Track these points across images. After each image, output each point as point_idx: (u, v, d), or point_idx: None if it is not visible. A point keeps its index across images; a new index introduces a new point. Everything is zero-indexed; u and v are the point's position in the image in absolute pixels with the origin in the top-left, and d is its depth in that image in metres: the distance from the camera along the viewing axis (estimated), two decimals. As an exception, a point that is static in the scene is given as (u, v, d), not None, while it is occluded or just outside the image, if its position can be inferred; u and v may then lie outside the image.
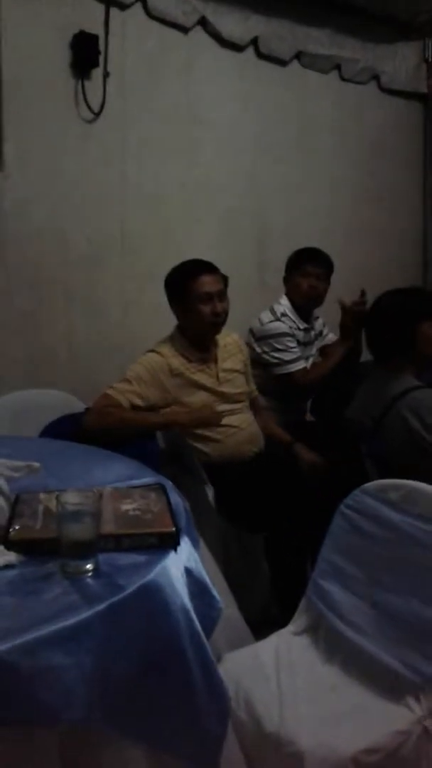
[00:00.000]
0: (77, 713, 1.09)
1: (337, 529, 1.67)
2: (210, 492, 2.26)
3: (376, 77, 3.78)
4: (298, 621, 1.68)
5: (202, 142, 3.24)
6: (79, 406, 2.69)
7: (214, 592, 1.44)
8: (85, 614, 1.10)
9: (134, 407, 2.29)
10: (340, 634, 1.55)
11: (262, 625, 1.90)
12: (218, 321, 2.38)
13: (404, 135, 4.02)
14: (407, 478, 1.62)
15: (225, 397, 2.43)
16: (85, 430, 2.22)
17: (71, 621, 1.08)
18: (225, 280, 2.43)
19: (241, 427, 2.43)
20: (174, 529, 1.34)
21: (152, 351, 2.42)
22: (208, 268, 2.38)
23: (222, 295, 2.38)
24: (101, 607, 1.12)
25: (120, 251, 3.04)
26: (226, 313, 2.39)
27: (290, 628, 1.69)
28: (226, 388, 2.44)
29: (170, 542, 1.32)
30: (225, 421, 2.37)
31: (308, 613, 1.68)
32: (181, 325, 2.46)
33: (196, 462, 2.29)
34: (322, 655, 1.57)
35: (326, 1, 3.43)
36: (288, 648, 1.62)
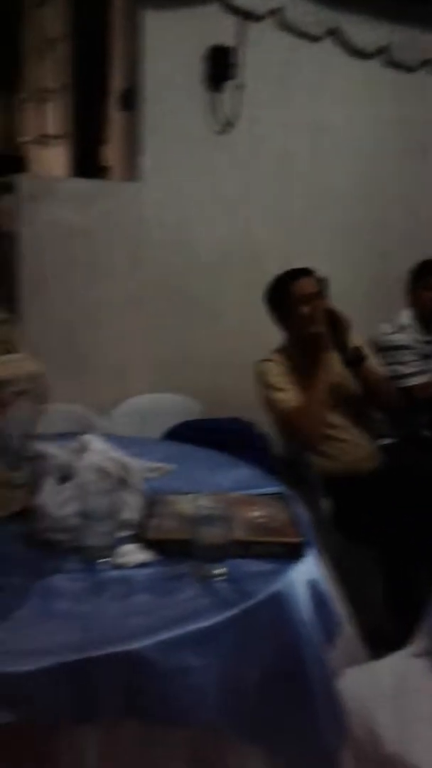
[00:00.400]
0: (206, 714, 1.13)
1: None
2: (326, 505, 2.25)
3: None
4: (419, 643, 1.64)
5: (327, 150, 3.25)
6: (198, 411, 2.76)
7: (336, 606, 1.44)
8: (218, 618, 1.13)
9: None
10: (464, 660, 1.50)
11: (374, 643, 1.88)
12: (317, 325, 2.32)
13: None
14: None
15: (339, 409, 2.41)
16: (307, 443, 2.28)
17: (205, 624, 1.12)
18: (323, 282, 2.40)
19: (357, 442, 2.40)
20: (301, 540, 1.35)
21: (266, 360, 2.43)
22: (303, 272, 2.39)
23: (319, 296, 2.35)
24: (233, 612, 1.15)
25: (243, 259, 3.09)
26: (328, 311, 2.34)
27: (410, 649, 1.65)
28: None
29: (296, 553, 1.33)
30: (341, 435, 2.36)
31: (429, 635, 1.64)
32: (286, 340, 2.47)
33: (314, 473, 2.28)
34: (445, 679, 1.53)
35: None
36: (408, 670, 1.58)
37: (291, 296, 2.37)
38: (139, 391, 2.79)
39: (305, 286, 2.36)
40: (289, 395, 2.29)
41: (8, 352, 1.52)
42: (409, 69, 3.40)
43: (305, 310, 2.34)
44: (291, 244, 3.17)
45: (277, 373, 2.36)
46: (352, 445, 2.38)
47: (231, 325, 3.11)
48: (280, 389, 2.32)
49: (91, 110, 3.82)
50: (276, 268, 2.88)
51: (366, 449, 2.41)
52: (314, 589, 1.34)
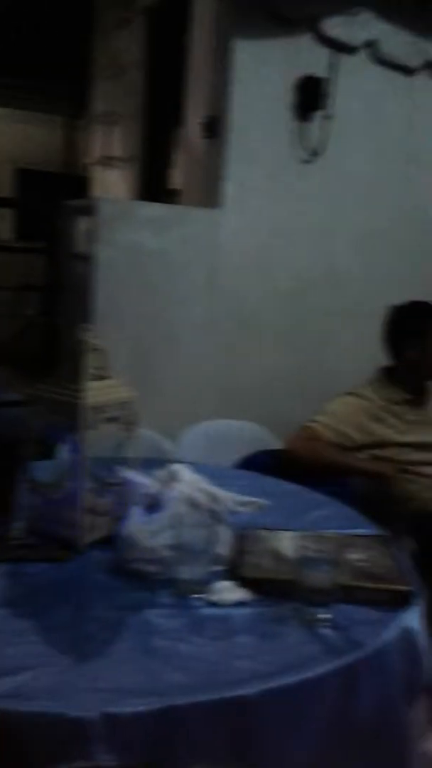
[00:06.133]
0: (310, 763, 1.06)
1: None
2: (410, 544, 2.15)
3: None
4: None
5: (418, 180, 3.20)
6: (270, 441, 2.69)
7: (426, 659, 1.35)
8: (328, 667, 1.06)
9: (334, 445, 2.25)
10: None
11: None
12: None
13: None
14: None
15: (428, 446, 2.32)
16: (292, 460, 2.20)
17: (315, 672, 1.05)
18: None
19: None
20: (409, 588, 1.28)
21: (351, 393, 2.37)
22: None
23: None
24: (343, 661, 1.08)
25: (324, 287, 3.05)
26: None
27: None
28: (429, 437, 2.33)
29: (404, 602, 1.26)
30: (424, 470, 2.27)
31: None
32: (391, 367, 2.40)
33: (401, 511, 2.19)
34: None
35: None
36: None
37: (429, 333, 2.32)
38: (208, 417, 2.74)
39: None
40: (325, 428, 2.24)
41: (101, 378, 1.49)
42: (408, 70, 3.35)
43: None
44: (374, 272, 3.12)
45: (352, 408, 2.30)
46: None
47: (309, 354, 3.06)
48: (328, 418, 2.27)
49: (160, 135, 3.86)
50: (358, 297, 2.84)
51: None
52: (412, 639, 1.26)
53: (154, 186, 3.91)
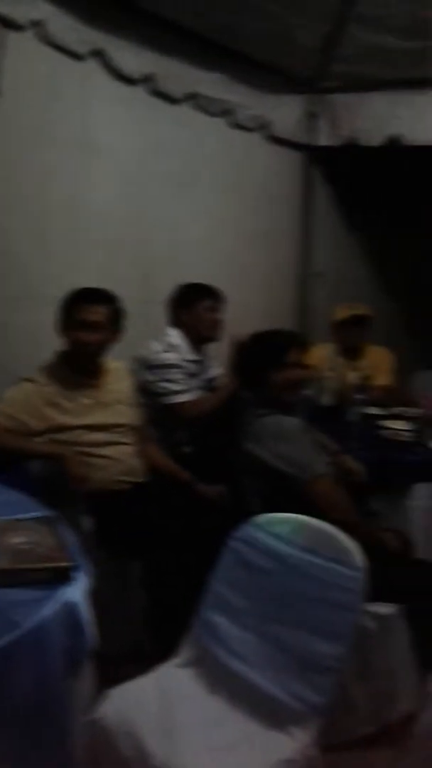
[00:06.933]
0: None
1: (226, 562, 1.70)
2: (88, 522, 2.23)
3: (263, 125, 3.94)
4: (183, 654, 1.69)
5: (92, 168, 3.23)
6: None
7: (89, 632, 1.39)
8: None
9: (7, 431, 2.26)
10: (227, 667, 1.57)
11: (139, 659, 1.89)
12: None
13: (286, 180, 4.21)
14: (284, 508, 1.70)
15: (102, 427, 2.42)
16: None
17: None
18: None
19: (116, 458, 2.42)
20: (70, 564, 1.32)
21: (26, 380, 2.39)
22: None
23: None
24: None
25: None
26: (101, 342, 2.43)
27: (175, 661, 1.69)
28: (103, 418, 2.43)
29: (65, 578, 1.30)
30: (99, 451, 2.37)
31: (193, 646, 1.69)
32: (66, 351, 2.45)
33: (75, 490, 2.25)
34: (209, 687, 1.59)
35: (219, 46, 3.55)
36: (173, 681, 1.62)
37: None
38: None
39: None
40: (7, 409, 2.29)
41: None
42: (174, 100, 3.51)
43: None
44: (52, 258, 3.10)
45: (26, 395, 2.34)
46: (110, 461, 2.40)
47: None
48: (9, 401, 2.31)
49: None
50: (33, 282, 2.81)
51: (127, 465, 2.44)
52: (71, 614, 1.30)
53: None
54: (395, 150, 3.74)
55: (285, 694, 1.45)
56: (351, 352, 3.58)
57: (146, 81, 3.37)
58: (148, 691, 1.57)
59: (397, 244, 4.66)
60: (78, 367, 2.44)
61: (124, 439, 2.48)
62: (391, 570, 2.04)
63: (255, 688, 1.51)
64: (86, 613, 1.32)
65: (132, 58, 3.25)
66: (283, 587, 1.58)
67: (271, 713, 1.47)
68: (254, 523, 1.71)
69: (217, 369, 3.08)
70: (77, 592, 1.31)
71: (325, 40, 3.52)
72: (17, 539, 1.37)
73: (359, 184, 4.30)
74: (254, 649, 1.55)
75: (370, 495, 2.41)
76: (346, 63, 3.70)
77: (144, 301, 3.41)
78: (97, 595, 1.40)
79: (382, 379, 3.51)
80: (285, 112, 4.01)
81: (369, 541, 2.05)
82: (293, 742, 1.41)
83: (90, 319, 2.37)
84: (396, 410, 3.16)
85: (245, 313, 3.38)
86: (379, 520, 2.38)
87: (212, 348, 3.10)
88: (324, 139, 4.07)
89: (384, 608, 1.92)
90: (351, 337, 3.56)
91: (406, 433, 2.79)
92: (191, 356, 2.96)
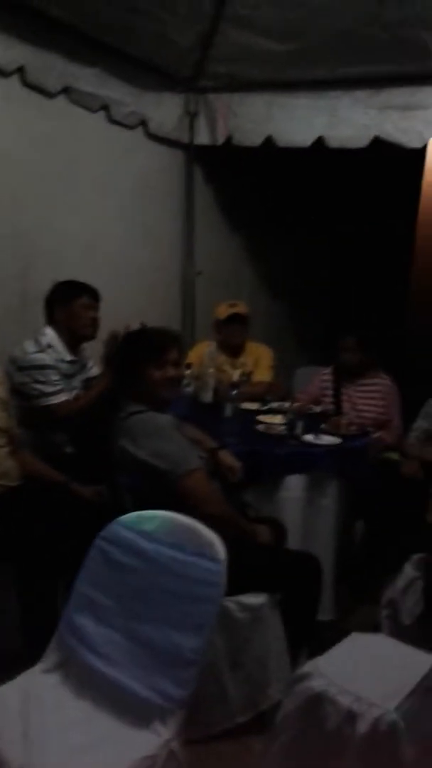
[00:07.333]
0: None
1: (92, 562, 1.69)
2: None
3: (143, 123, 3.92)
4: (49, 659, 1.66)
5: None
6: None
7: None
8: None
9: None
10: (92, 668, 1.56)
11: (7, 666, 1.84)
12: None
13: (168, 179, 4.22)
14: (155, 505, 1.70)
15: None
16: None
17: None
18: None
19: None
20: None
21: None
22: None
23: None
24: None
25: None
26: None
27: (40, 666, 1.66)
28: None
29: None
30: None
31: (59, 649, 1.67)
32: None
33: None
34: (73, 690, 1.57)
35: (95, 41, 3.51)
36: (37, 687, 1.59)
37: None
38: None
39: None
40: None
41: None
42: (50, 95, 3.44)
43: None
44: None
45: None
46: None
47: None
48: None
49: None
50: None
51: (1, 468, 2.37)
52: None
53: None
54: (272, 150, 3.83)
55: (148, 691, 1.45)
56: (232, 349, 3.65)
57: (19, 72, 3.28)
58: (9, 700, 1.53)
59: (277, 243, 4.78)
60: None
61: None
62: (263, 560, 2.10)
63: (119, 687, 1.50)
64: None
65: (2, 49, 3.16)
66: (146, 584, 1.58)
67: (134, 711, 1.46)
68: (121, 521, 1.70)
69: (97, 369, 3.05)
70: None
71: (200, 40, 3.55)
72: None
73: (239, 183, 4.38)
74: (119, 647, 1.55)
75: (243, 488, 2.46)
76: (222, 63, 3.76)
77: (21, 299, 3.34)
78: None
79: (262, 375, 3.59)
80: (165, 110, 4.02)
81: (242, 533, 2.11)
82: (156, 738, 1.41)
83: None
84: (274, 405, 3.24)
85: (127, 311, 3.37)
86: (253, 512, 2.43)
87: (90, 348, 3.06)
88: (204, 138, 4.13)
89: (255, 598, 1.97)
90: (231, 335, 3.62)
91: (280, 427, 2.86)
92: (67, 356, 2.90)
